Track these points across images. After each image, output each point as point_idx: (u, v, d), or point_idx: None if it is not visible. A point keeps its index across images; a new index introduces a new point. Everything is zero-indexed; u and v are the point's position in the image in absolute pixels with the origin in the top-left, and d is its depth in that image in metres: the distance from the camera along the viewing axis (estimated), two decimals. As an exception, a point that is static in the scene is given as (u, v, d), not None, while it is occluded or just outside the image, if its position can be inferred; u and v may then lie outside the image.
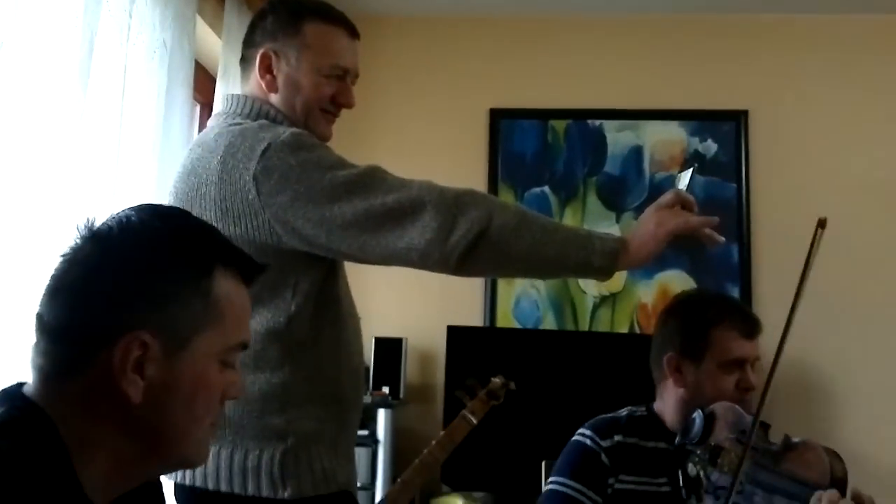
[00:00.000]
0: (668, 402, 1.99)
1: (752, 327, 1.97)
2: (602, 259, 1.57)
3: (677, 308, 2.08)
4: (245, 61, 1.81)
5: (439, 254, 1.54)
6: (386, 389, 3.63)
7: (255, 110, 1.74)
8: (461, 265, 1.57)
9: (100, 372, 0.95)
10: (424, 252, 1.55)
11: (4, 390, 0.99)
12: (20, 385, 1.00)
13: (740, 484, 1.66)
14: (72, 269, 0.98)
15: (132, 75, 2.19)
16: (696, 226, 1.58)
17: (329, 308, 1.72)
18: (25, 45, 1.79)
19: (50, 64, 1.87)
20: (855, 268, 3.70)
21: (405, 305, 3.91)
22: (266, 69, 1.76)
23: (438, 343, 3.71)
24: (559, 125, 4.05)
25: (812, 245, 1.62)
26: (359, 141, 3.85)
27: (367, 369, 3.67)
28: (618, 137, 4.03)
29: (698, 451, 1.76)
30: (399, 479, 1.58)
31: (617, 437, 1.95)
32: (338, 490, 1.69)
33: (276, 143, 1.59)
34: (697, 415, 1.81)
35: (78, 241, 0.99)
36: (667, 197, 1.61)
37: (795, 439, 1.77)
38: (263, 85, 1.76)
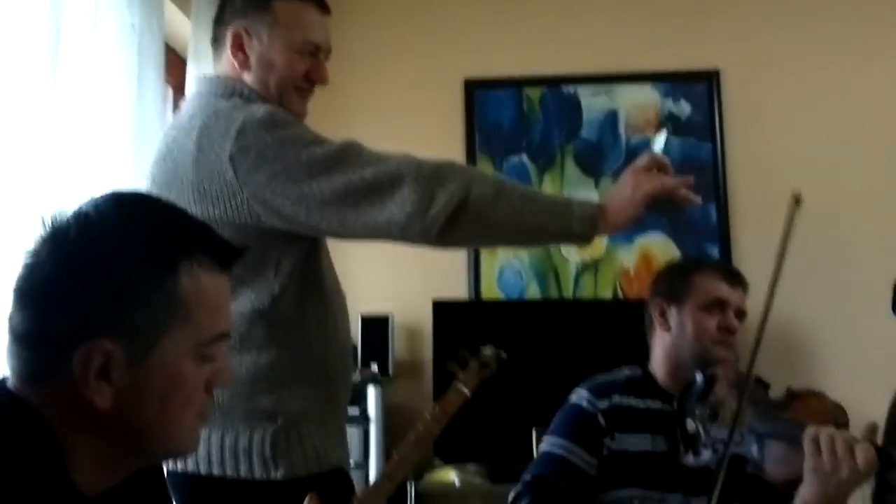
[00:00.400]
0: (657, 355, 2.05)
1: (733, 276, 2.05)
2: (581, 225, 1.58)
3: (666, 266, 2.22)
4: (216, 41, 1.79)
5: (420, 226, 1.55)
6: (374, 366, 3.62)
7: (230, 90, 1.72)
8: (442, 237, 1.57)
9: (67, 378, 0.93)
10: (405, 225, 1.55)
11: None
12: (3, 379, 0.98)
13: (740, 434, 1.67)
14: (32, 272, 0.95)
15: (102, 59, 2.15)
16: (672, 187, 1.59)
17: (313, 286, 1.71)
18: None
19: (18, 48, 1.83)
20: (832, 223, 3.72)
21: (389, 282, 3.90)
22: (238, 48, 1.74)
23: (425, 318, 3.70)
24: (534, 93, 4.04)
25: (788, 221, 1.63)
26: (334, 116, 3.80)
27: (355, 347, 3.66)
28: (592, 102, 4.02)
29: (697, 409, 1.78)
30: (394, 455, 1.57)
31: (614, 398, 1.99)
32: (330, 469, 1.70)
33: (250, 121, 1.58)
34: (699, 374, 1.84)
35: (39, 240, 0.96)
36: (642, 160, 1.63)
37: (801, 389, 1.80)
38: (236, 64, 1.74)
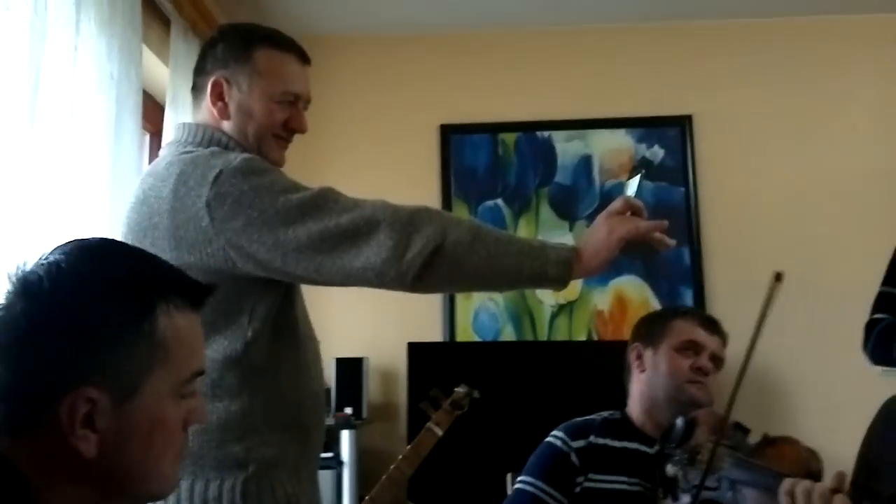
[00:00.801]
0: (633, 397, 2.08)
1: (711, 323, 2.09)
2: (556, 269, 1.59)
3: (648, 314, 2.29)
4: (196, 89, 1.81)
5: (395, 272, 1.55)
6: (349, 410, 3.61)
7: (208, 138, 1.74)
8: (418, 282, 1.58)
9: (49, 430, 0.92)
10: (381, 271, 1.55)
11: None
12: None
13: (716, 480, 1.69)
14: (6, 329, 0.94)
15: (80, 107, 2.17)
16: (646, 230, 1.60)
17: (287, 332, 1.72)
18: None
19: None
20: (803, 267, 3.77)
21: (364, 325, 3.91)
22: (218, 96, 1.76)
23: (399, 360, 3.71)
24: (509, 138, 4.09)
25: (768, 297, 1.65)
26: (310, 163, 3.84)
27: (329, 391, 3.66)
28: (567, 147, 4.08)
29: (677, 453, 1.80)
30: (367, 498, 1.58)
31: (590, 438, 2.02)
32: None
33: (227, 168, 1.59)
34: (679, 419, 1.87)
35: (9, 295, 0.95)
36: (616, 204, 1.64)
37: (776, 436, 1.82)
38: (215, 112, 1.76)
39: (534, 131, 4.09)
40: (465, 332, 3.94)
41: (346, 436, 3.52)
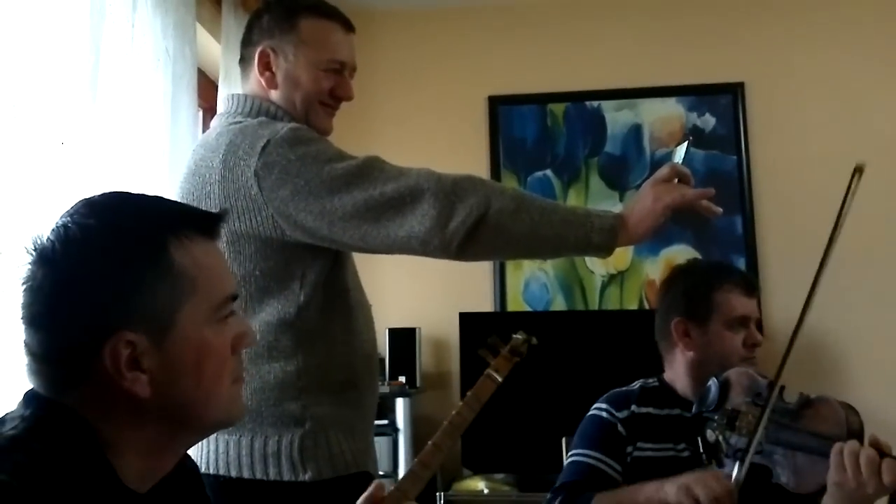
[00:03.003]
0: (678, 370, 2.03)
1: (750, 286, 2.04)
2: (601, 236, 1.59)
3: (678, 276, 2.15)
4: (244, 61, 1.84)
5: (439, 240, 1.57)
6: (402, 379, 3.69)
7: (256, 108, 1.77)
8: (462, 250, 1.59)
9: (98, 382, 0.96)
10: (424, 239, 1.57)
11: (27, 394, 1.01)
12: (34, 391, 1.01)
13: (760, 444, 1.70)
14: (33, 297, 0.97)
15: (138, 85, 2.23)
16: (693, 198, 1.59)
17: (338, 297, 1.76)
18: (34, 60, 1.84)
19: (60, 74, 1.91)
20: (860, 232, 3.72)
21: (416, 296, 3.97)
22: (265, 66, 1.79)
23: (451, 330, 3.76)
24: (558, 108, 4.08)
25: (847, 192, 1.66)
26: (361, 134, 3.89)
27: (383, 360, 3.73)
28: (616, 117, 4.06)
29: (716, 417, 1.80)
30: (430, 443, 1.61)
31: (632, 408, 2.00)
32: (357, 472, 1.73)
33: (275, 138, 1.63)
34: (713, 382, 1.85)
35: (29, 265, 0.98)
36: (663, 171, 1.63)
37: (811, 396, 1.82)
38: (263, 82, 1.79)
39: (583, 101, 4.08)
40: (516, 302, 3.97)
41: (400, 403, 3.61)
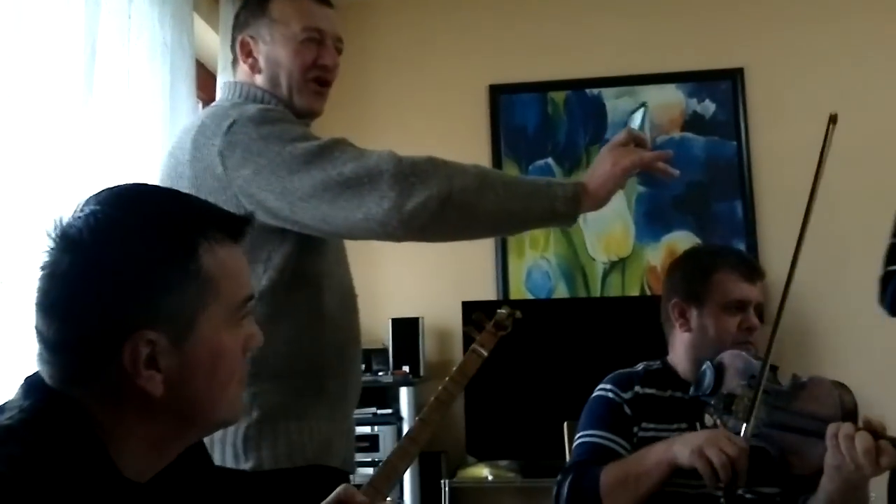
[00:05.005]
0: (678, 351, 2.05)
1: (751, 271, 2.04)
2: (565, 205, 1.61)
3: (680, 259, 2.18)
4: (234, 60, 1.86)
5: (398, 222, 1.56)
6: (406, 368, 3.72)
7: (244, 93, 1.78)
8: (425, 231, 1.59)
9: (113, 377, 0.95)
10: (383, 221, 1.56)
11: (27, 381, 0.99)
12: (39, 379, 0.99)
13: (756, 427, 1.71)
14: (54, 284, 0.95)
15: (135, 76, 2.24)
16: (651, 160, 1.65)
17: (307, 283, 1.72)
18: (29, 53, 1.85)
19: (54, 69, 1.92)
20: (857, 215, 3.73)
21: (419, 285, 3.98)
22: (247, 55, 1.80)
23: (454, 319, 3.77)
24: (558, 96, 4.09)
25: (825, 142, 1.76)
26: (361, 128, 3.87)
27: (386, 350, 3.76)
28: (617, 104, 4.06)
29: (712, 401, 1.82)
30: (418, 418, 1.62)
31: (636, 389, 2.01)
32: (305, 465, 1.69)
33: (241, 118, 1.63)
34: (707, 366, 1.86)
35: (52, 250, 0.95)
36: (620, 136, 1.67)
37: (804, 377, 1.83)
38: (248, 69, 1.80)
39: (583, 89, 4.08)
40: (518, 290, 3.98)
41: (404, 392, 3.64)
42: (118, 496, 0.96)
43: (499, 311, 1.80)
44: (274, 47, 1.78)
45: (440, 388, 1.68)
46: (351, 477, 1.84)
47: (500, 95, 4.10)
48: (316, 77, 1.80)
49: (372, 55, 4.10)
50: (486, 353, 1.74)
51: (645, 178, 4.11)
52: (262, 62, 1.79)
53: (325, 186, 1.57)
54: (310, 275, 1.74)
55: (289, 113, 1.74)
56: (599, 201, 1.64)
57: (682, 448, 1.72)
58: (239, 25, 1.83)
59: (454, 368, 1.72)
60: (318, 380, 1.74)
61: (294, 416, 1.69)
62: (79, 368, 0.96)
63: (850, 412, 1.71)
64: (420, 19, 4.19)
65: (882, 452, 1.54)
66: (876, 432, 1.57)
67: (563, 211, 1.62)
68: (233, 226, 1.06)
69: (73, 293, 0.95)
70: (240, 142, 1.61)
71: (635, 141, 1.67)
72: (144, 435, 0.99)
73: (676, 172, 1.69)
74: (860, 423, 1.61)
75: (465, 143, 4.02)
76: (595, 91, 4.07)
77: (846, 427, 1.59)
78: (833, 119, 1.72)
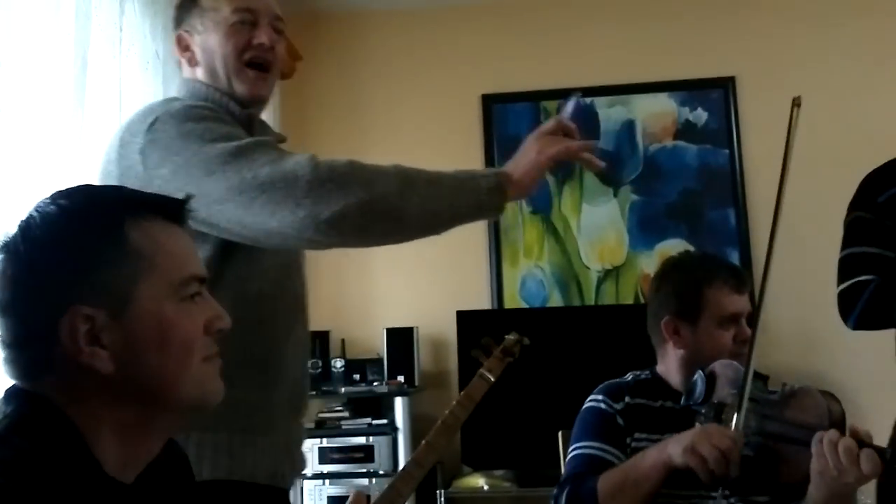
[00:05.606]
0: (670, 365, 2.04)
1: (741, 282, 2.03)
2: (491, 197, 1.57)
3: (667, 272, 2.13)
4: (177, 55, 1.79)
5: (314, 231, 1.50)
6: (401, 378, 3.71)
7: (190, 91, 1.72)
8: (345, 239, 1.56)
9: (63, 360, 0.97)
10: (299, 229, 1.50)
11: (8, 390, 1.02)
12: (13, 386, 1.02)
13: (746, 437, 1.71)
14: (2, 286, 0.99)
15: (127, 87, 2.25)
16: (577, 149, 1.63)
17: (230, 289, 1.60)
18: (20, 65, 1.85)
19: (46, 81, 1.93)
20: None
21: (413, 295, 3.99)
22: (184, 48, 1.74)
23: (449, 329, 3.77)
24: (551, 106, 4.10)
25: (790, 126, 1.81)
26: (353, 135, 3.93)
27: (381, 359, 3.76)
28: (609, 113, 4.09)
29: (703, 410, 1.82)
30: (424, 442, 1.62)
31: (626, 399, 2.00)
32: (212, 479, 1.58)
33: (164, 115, 1.56)
34: (699, 376, 1.86)
35: (1, 261, 1.00)
36: (548, 124, 1.64)
37: (794, 386, 1.83)
38: (187, 63, 1.74)
39: (576, 98, 4.09)
40: (513, 300, 3.99)
41: (399, 403, 3.63)
42: (105, 496, 0.97)
43: (507, 336, 1.80)
44: (206, 36, 1.71)
45: (446, 412, 1.67)
46: (291, 493, 1.76)
47: (493, 105, 4.12)
48: (252, 58, 1.71)
49: (365, 65, 4.12)
50: (493, 379, 1.73)
51: (638, 186, 4.20)
52: (199, 54, 1.72)
53: (240, 190, 1.48)
54: (232, 281, 1.63)
55: (221, 111, 1.66)
56: (524, 190, 1.61)
57: (675, 447, 1.72)
58: (175, 24, 1.77)
59: (461, 393, 1.72)
60: (234, 390, 1.55)
61: (203, 427, 1.57)
62: (34, 360, 0.99)
63: (837, 421, 1.72)
64: (412, 30, 4.21)
65: (864, 459, 1.54)
66: (860, 440, 1.58)
67: (490, 203, 1.57)
68: (164, 206, 1.08)
69: (14, 291, 0.99)
70: (160, 140, 1.54)
71: (563, 131, 1.64)
72: (114, 424, 1.00)
73: (602, 164, 1.68)
74: (847, 432, 1.62)
75: (459, 152, 4.04)
76: (587, 100, 4.08)
77: (831, 434, 1.60)
78: (796, 102, 1.76)
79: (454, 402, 1.69)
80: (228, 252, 1.63)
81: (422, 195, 1.53)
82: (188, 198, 1.11)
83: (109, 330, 0.98)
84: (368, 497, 1.42)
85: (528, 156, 1.61)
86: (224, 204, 1.50)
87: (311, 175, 1.48)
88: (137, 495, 1.03)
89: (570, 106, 1.71)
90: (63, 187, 1.08)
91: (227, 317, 1.10)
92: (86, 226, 1.01)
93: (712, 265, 2.11)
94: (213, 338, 1.08)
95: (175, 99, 1.68)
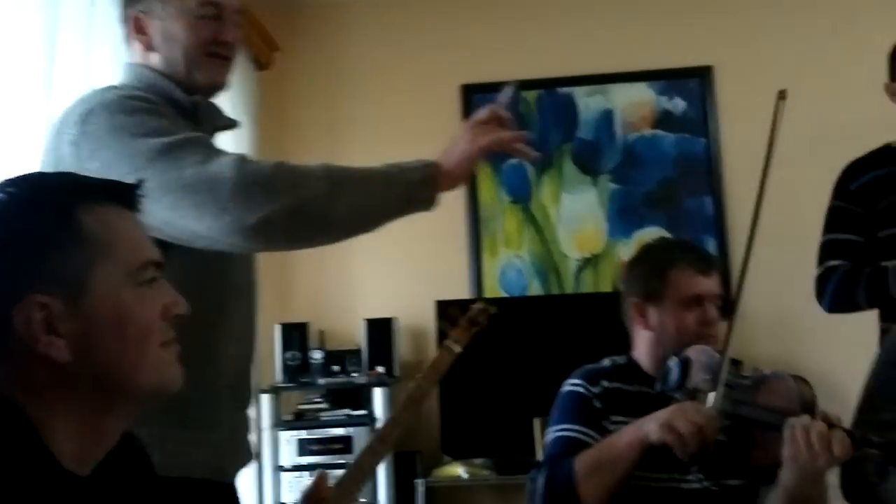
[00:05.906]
0: (640, 348, 2.07)
1: (706, 264, 2.05)
2: (422, 189, 1.55)
3: (636, 256, 2.20)
4: (126, 35, 1.73)
5: (240, 237, 1.46)
6: (381, 369, 3.72)
7: (135, 77, 1.67)
8: (274, 244, 1.56)
9: (18, 351, 0.96)
10: (225, 233, 1.46)
11: None
12: None
13: (720, 420, 1.74)
14: None
15: (96, 76, 2.20)
16: (509, 140, 1.61)
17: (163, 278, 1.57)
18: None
19: (12, 84, 1.91)
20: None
21: (392, 285, 4.00)
22: (139, 30, 1.67)
23: (428, 319, 3.77)
24: (530, 96, 4.11)
25: (775, 117, 1.84)
26: (333, 127, 3.93)
27: (360, 350, 3.77)
28: (588, 103, 4.10)
29: (677, 396, 1.84)
30: (391, 416, 1.62)
31: (604, 383, 2.02)
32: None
33: (97, 106, 1.52)
34: (673, 362, 1.88)
35: None
36: (482, 114, 1.63)
37: (766, 371, 1.86)
38: (142, 46, 1.68)
39: (554, 88, 4.11)
40: (493, 289, 4.01)
41: (378, 393, 3.65)
42: (59, 490, 0.96)
43: (472, 306, 1.79)
44: (169, 23, 1.65)
45: (412, 385, 1.67)
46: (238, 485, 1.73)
47: (473, 95, 4.11)
48: (214, 53, 1.69)
49: (344, 57, 4.12)
50: (459, 349, 1.72)
51: (617, 175, 4.21)
52: (157, 41, 1.66)
53: (165, 190, 1.43)
54: (167, 269, 1.61)
55: (161, 101, 1.61)
56: (456, 180, 1.59)
57: (651, 424, 1.75)
58: (130, 2, 1.69)
59: (427, 366, 1.71)
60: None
61: (138, 422, 1.57)
62: None
63: (808, 405, 1.75)
64: (392, 20, 4.20)
65: (836, 443, 1.57)
66: (830, 423, 1.60)
67: (420, 196, 1.55)
68: (115, 192, 1.07)
69: None
70: (91, 132, 1.50)
71: (496, 120, 1.62)
72: (70, 414, 0.99)
73: (536, 154, 1.67)
74: (817, 416, 1.64)
75: (439, 143, 3.90)
76: (566, 90, 4.10)
77: (803, 419, 1.63)
78: (782, 95, 1.74)
79: (419, 376, 1.68)
80: (161, 240, 1.55)
81: (350, 195, 1.50)
82: (140, 182, 1.09)
83: (66, 318, 0.97)
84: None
85: (460, 146, 1.59)
86: (152, 204, 1.42)
87: (236, 178, 1.44)
88: (93, 488, 1.02)
89: (505, 95, 1.70)
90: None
91: (185, 302, 1.09)
92: (37, 213, 1.00)
93: (678, 248, 2.16)
94: (170, 323, 1.07)
95: (112, 88, 1.63)
